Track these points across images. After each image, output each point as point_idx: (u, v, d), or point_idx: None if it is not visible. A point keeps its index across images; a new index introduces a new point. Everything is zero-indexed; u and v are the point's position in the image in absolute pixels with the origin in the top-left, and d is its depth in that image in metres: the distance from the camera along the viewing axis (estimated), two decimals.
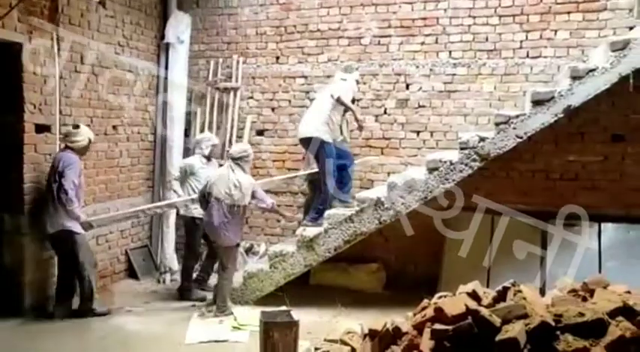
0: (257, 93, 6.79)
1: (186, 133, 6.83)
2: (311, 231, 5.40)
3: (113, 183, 6.13)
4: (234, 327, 4.86)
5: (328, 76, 6.44)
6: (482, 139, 5.00)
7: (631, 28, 5.51)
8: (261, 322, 4.02)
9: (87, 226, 5.10)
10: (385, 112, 6.32)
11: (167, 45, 6.69)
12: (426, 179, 5.10)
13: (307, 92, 6.58)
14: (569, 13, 5.76)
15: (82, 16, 5.56)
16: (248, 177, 5.24)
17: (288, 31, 6.65)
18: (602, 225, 5.56)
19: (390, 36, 6.28)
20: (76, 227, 4.97)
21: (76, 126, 5.13)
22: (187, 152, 6.75)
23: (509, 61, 5.93)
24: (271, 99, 6.75)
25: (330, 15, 6.47)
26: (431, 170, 5.12)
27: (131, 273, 6.35)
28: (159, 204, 6.11)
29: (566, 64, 5.58)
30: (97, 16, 5.77)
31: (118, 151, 6.19)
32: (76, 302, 5.15)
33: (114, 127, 6.10)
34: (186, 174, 5.82)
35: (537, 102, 4.88)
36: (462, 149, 5.07)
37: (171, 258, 6.46)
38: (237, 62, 6.75)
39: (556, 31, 5.80)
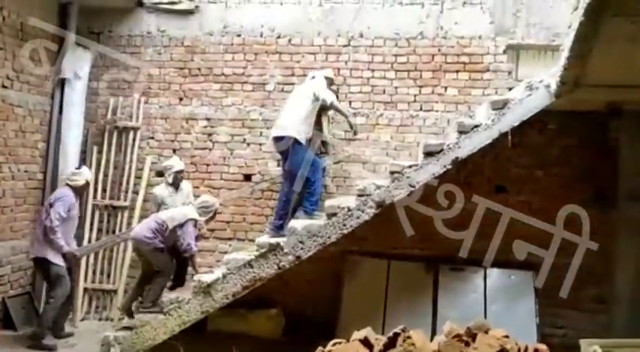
0: (158, 133, 6.66)
1: None
2: (208, 277, 5.27)
3: None
4: None
5: (232, 119, 6.50)
6: (378, 187, 5.20)
7: (510, 89, 6.06)
8: None
9: (71, 256, 5.56)
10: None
11: (63, 80, 6.41)
12: (325, 224, 5.20)
13: (210, 134, 6.56)
14: (457, 71, 6.27)
15: None
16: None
17: (192, 73, 6.64)
18: (488, 270, 5.93)
19: (293, 83, 6.45)
20: (54, 258, 5.41)
21: (79, 168, 5.91)
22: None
23: (405, 112, 6.30)
24: (173, 141, 6.64)
25: (235, 60, 6.57)
26: (329, 215, 5.24)
27: (8, 324, 5.80)
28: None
29: (454, 118, 6.04)
30: None
31: (0, 190, 5.76)
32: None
33: None
34: (159, 206, 5.78)
35: (429, 154, 5.18)
36: (359, 196, 5.25)
37: None
38: (139, 101, 6.61)
39: (446, 88, 6.27)
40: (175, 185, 5.93)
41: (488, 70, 6.21)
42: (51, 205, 5.49)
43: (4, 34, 5.68)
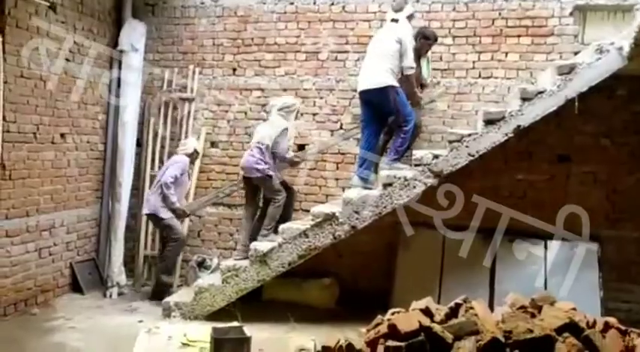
0: (212, 104, 6.71)
1: (139, 143, 6.67)
2: (264, 246, 5.34)
3: (59, 193, 5.89)
4: (184, 344, 4.71)
5: (285, 90, 6.46)
6: (435, 156, 5.09)
7: (576, 53, 5.76)
8: (212, 338, 3.93)
9: (180, 212, 5.97)
10: (341, 127, 6.35)
11: (121, 53, 6.52)
12: (380, 194, 5.14)
13: (264, 105, 6.52)
14: (519, 36, 5.97)
15: (31, 20, 5.35)
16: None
17: (245, 44, 6.61)
18: (548, 242, 5.74)
19: (347, 52, 6.34)
20: (165, 213, 5.88)
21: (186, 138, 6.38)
22: (139, 162, 6.62)
23: (462, 80, 6.08)
24: (227, 111, 6.68)
25: (288, 29, 6.48)
26: (385, 185, 5.17)
27: (75, 287, 6.09)
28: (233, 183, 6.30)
29: (515, 85, 5.77)
30: (47, 20, 5.57)
31: (65, 161, 5.96)
32: None
33: (62, 136, 5.89)
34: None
35: (489, 122, 5.01)
36: (416, 166, 5.15)
37: (119, 272, 6.24)
38: (193, 73, 6.66)
39: (507, 53, 5.99)
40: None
41: (552, 34, 5.88)
42: (167, 168, 6.00)
43: (65, 7, 5.79)
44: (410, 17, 5.65)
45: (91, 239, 6.41)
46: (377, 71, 5.39)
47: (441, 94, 6.07)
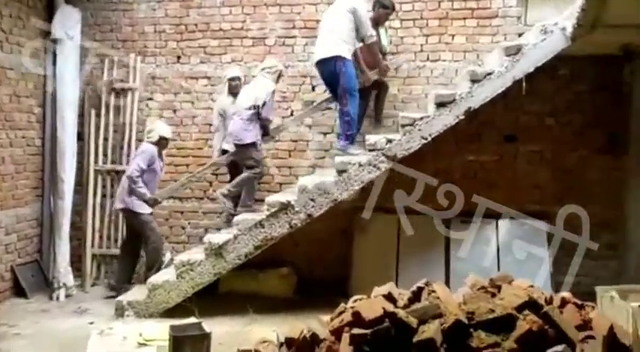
0: (157, 94, 6.46)
1: (80, 137, 6.34)
2: (219, 238, 5.20)
3: None
4: (140, 344, 4.51)
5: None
6: (389, 141, 5.08)
7: (520, 35, 5.86)
8: (171, 336, 3.78)
9: (153, 201, 5.66)
10: (292, 114, 6.24)
11: (54, 41, 6.14)
12: (336, 181, 5.09)
13: (210, 93, 6.35)
14: (464, 19, 6.03)
15: None
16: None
17: (189, 30, 6.38)
18: (499, 221, 5.87)
19: (294, 37, 6.23)
20: (139, 207, 5.57)
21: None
22: (81, 156, 6.30)
23: (411, 63, 6.09)
24: (172, 101, 6.44)
25: (233, 14, 6.30)
26: (340, 172, 5.12)
27: (18, 291, 5.76)
28: (205, 166, 5.99)
29: (463, 67, 5.84)
30: None
31: None
32: None
33: None
34: (221, 118, 5.88)
35: (440, 105, 5.04)
36: (369, 151, 5.12)
37: (65, 272, 5.93)
38: (135, 61, 6.37)
39: (453, 36, 6.05)
40: (234, 94, 5.83)
41: (496, 16, 5.97)
42: (133, 159, 5.76)
43: None
44: None
45: (32, 239, 6.07)
46: (327, 42, 5.26)
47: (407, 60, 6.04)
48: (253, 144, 5.46)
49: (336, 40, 5.20)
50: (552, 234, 5.76)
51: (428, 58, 6.09)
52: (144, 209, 5.59)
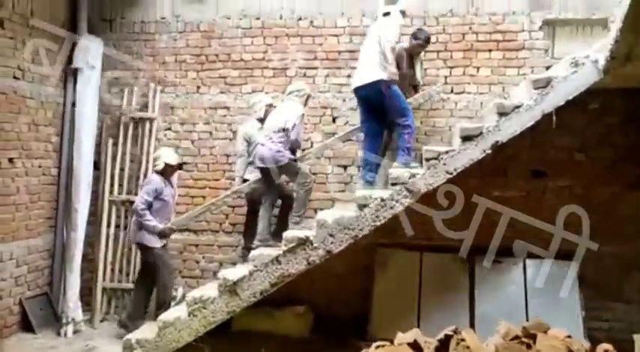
0: (175, 124, 6.37)
1: (96, 166, 6.26)
2: (234, 274, 4.99)
3: (7, 223, 5.43)
4: None
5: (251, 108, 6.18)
6: (412, 175, 4.87)
7: (548, 68, 5.69)
8: None
9: (167, 231, 5.44)
10: (312, 146, 6.09)
11: (75, 70, 6.13)
12: (357, 216, 4.88)
13: (230, 124, 6.25)
14: (489, 51, 5.88)
15: None
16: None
17: (209, 60, 6.32)
18: (527, 261, 5.59)
19: (316, 68, 6.13)
20: (150, 241, 5.36)
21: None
22: (96, 186, 6.20)
23: (435, 95, 5.92)
24: (191, 131, 6.35)
25: (255, 45, 6.24)
26: (361, 206, 4.92)
27: (26, 326, 5.58)
28: (226, 193, 5.67)
29: (488, 100, 5.68)
30: None
31: (14, 187, 5.51)
32: None
33: (10, 160, 5.45)
34: (247, 144, 5.68)
35: (466, 138, 4.83)
36: (392, 185, 4.92)
37: (74, 307, 5.77)
38: (154, 91, 6.32)
39: (478, 68, 5.89)
40: (261, 119, 5.67)
41: (523, 48, 5.82)
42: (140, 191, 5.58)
43: (14, 22, 5.41)
44: (403, 13, 5.40)
45: (43, 271, 5.92)
46: (367, 67, 5.14)
47: (439, 92, 5.86)
48: (289, 163, 5.23)
49: (375, 65, 5.09)
50: (583, 276, 5.46)
51: (452, 91, 5.93)
52: (154, 243, 5.38)
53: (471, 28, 5.91)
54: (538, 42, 5.80)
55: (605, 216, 5.66)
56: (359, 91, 5.26)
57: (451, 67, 5.93)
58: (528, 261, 5.59)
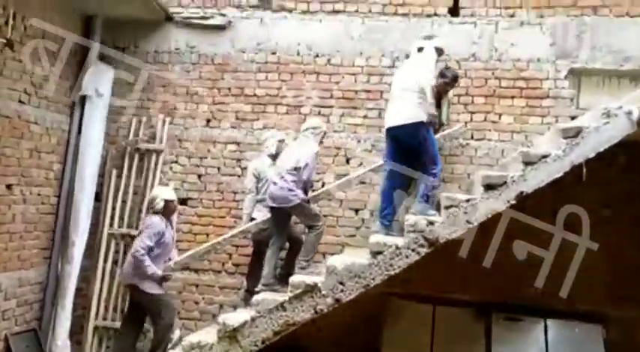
0: (182, 157, 6.14)
1: (97, 197, 6.01)
2: (235, 319, 4.65)
3: None
4: None
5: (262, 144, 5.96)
6: (430, 223, 4.58)
7: (573, 118, 5.48)
8: None
9: (167, 275, 5.08)
10: (323, 186, 5.83)
11: (84, 97, 5.95)
12: (369, 264, 4.56)
13: (239, 160, 6.02)
14: (513, 97, 5.69)
15: None
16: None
17: (222, 93, 6.15)
18: (549, 321, 5.23)
19: (331, 107, 5.95)
20: (148, 286, 4.93)
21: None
22: (96, 218, 5.93)
23: (454, 141, 5.70)
24: (198, 166, 6.11)
25: (269, 80, 6.07)
26: (374, 254, 4.61)
27: None
28: (232, 232, 5.36)
29: (510, 148, 5.47)
30: (2, 58, 5.00)
31: (10, 215, 5.25)
32: None
33: (8, 187, 5.21)
34: (257, 180, 5.44)
35: (489, 187, 4.55)
36: (408, 232, 4.62)
37: (63, 345, 5.45)
38: (163, 122, 6.12)
39: (500, 115, 5.69)
40: (272, 156, 5.47)
41: (547, 97, 5.62)
42: (139, 234, 5.09)
43: (24, 45, 5.25)
44: (439, 51, 5.18)
45: (32, 306, 5.59)
46: (405, 106, 4.84)
47: (463, 132, 5.66)
48: (301, 204, 4.97)
49: (415, 104, 4.81)
50: (609, 342, 5.09)
51: (472, 136, 5.72)
52: (154, 289, 4.97)
53: (493, 73, 5.73)
54: (564, 91, 5.62)
55: (633, 275, 5.34)
56: (393, 131, 4.95)
57: (472, 112, 5.73)
58: (550, 322, 5.24)
